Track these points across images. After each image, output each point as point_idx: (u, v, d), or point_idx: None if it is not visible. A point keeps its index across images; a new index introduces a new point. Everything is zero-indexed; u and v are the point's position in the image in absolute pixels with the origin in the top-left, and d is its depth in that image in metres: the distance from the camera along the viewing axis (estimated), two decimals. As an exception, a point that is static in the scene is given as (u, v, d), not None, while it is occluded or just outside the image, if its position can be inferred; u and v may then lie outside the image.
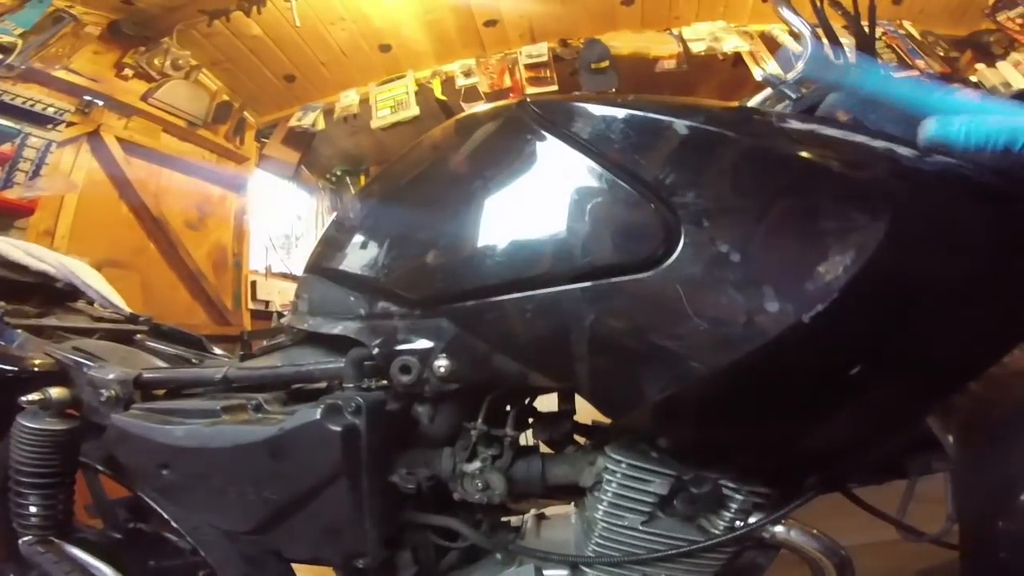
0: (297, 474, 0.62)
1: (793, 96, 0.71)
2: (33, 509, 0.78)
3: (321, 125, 3.01)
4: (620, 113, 0.56)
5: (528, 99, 0.64)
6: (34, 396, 0.74)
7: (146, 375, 0.74)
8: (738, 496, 0.61)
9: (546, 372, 0.59)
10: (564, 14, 2.75)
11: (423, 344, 0.60)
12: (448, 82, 2.87)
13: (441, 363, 0.60)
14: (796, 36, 0.68)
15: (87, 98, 2.42)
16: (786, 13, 0.70)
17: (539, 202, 0.56)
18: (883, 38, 2.60)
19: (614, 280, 0.52)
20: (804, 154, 0.51)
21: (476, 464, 0.66)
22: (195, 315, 2.72)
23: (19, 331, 0.91)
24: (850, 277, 0.45)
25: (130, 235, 2.52)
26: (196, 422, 0.66)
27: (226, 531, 0.75)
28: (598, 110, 0.58)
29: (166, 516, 0.82)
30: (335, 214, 0.81)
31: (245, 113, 3.08)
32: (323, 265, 0.71)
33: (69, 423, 0.76)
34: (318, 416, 0.59)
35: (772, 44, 2.65)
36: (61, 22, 2.31)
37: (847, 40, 0.74)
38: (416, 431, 0.68)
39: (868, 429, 0.57)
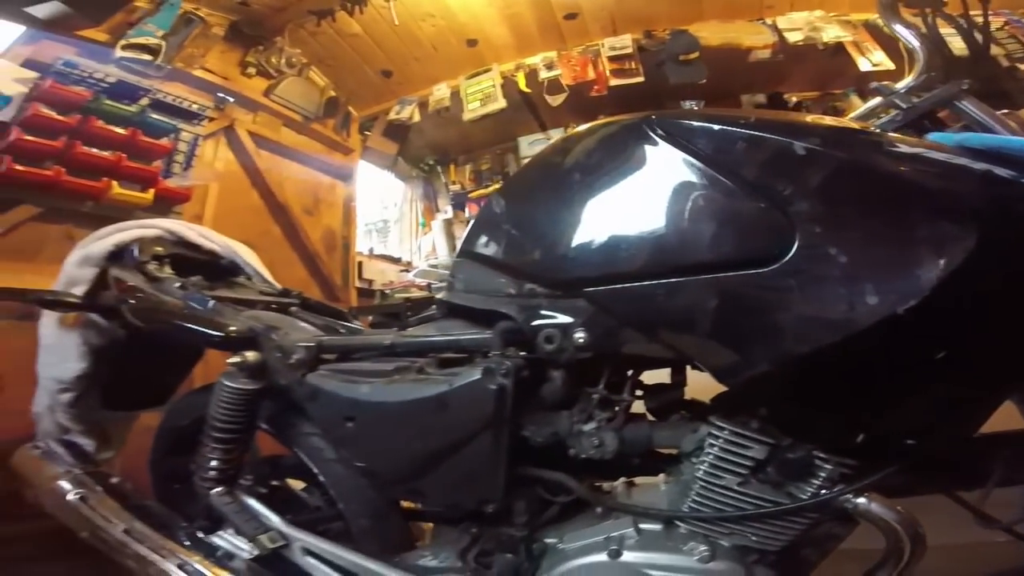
0: (455, 425, 0.73)
1: (904, 106, 0.73)
2: (220, 461, 0.90)
3: (416, 117, 3.12)
4: (740, 132, 0.62)
5: (654, 115, 0.70)
6: (235, 359, 0.88)
7: (326, 341, 0.86)
8: (827, 466, 0.64)
9: (669, 346, 0.66)
10: (646, 5, 2.70)
11: (564, 319, 0.69)
12: (531, 74, 2.90)
13: (579, 336, 0.67)
14: (908, 50, 0.71)
15: (220, 95, 2.58)
16: (898, 28, 0.72)
17: (667, 206, 0.62)
18: (1005, 28, 2.38)
19: (735, 273, 0.58)
20: (905, 172, 0.56)
21: (593, 424, 0.73)
22: (310, 292, 2.81)
23: (213, 301, 1.05)
24: (940, 279, 0.50)
25: (258, 219, 2.71)
26: (375, 381, 0.77)
27: (378, 477, 0.86)
28: (717, 129, 0.63)
29: (315, 471, 0.94)
30: (483, 205, 0.88)
31: (349, 107, 3.23)
32: (474, 250, 0.79)
33: (258, 383, 0.88)
34: (479, 376, 0.69)
35: (876, 33, 2.49)
36: (191, 24, 2.45)
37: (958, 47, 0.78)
38: (544, 394, 0.75)
39: (947, 411, 0.61)
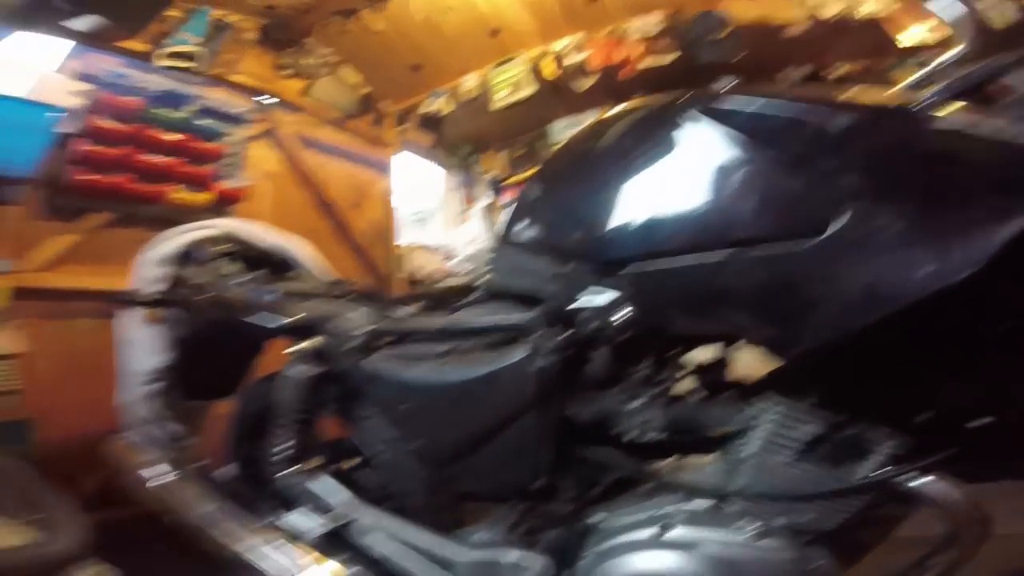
0: (502, 404, 0.75)
1: (951, 79, 0.68)
2: (287, 444, 0.96)
3: (448, 109, 3.12)
4: (785, 107, 0.61)
5: (694, 94, 0.70)
6: (296, 347, 0.94)
7: (380, 327, 0.90)
8: (884, 445, 0.62)
9: (717, 321, 0.66)
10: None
11: (607, 298, 0.69)
12: (558, 59, 2.84)
13: (623, 313, 0.68)
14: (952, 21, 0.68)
15: (261, 98, 2.64)
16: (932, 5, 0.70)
17: (711, 181, 0.62)
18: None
19: (784, 243, 0.57)
20: (953, 146, 0.54)
21: (638, 403, 0.71)
22: (360, 281, 2.99)
23: (271, 292, 1.13)
24: (998, 247, 0.48)
25: (308, 216, 2.80)
26: (426, 364, 0.81)
27: (430, 457, 0.89)
28: (762, 104, 0.63)
29: (372, 452, 0.97)
30: (520, 192, 0.90)
31: (384, 102, 3.27)
32: (514, 236, 0.81)
33: (318, 369, 0.94)
34: (522, 357, 0.72)
35: (915, 5, 2.32)
36: (223, 30, 2.47)
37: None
38: (587, 374, 0.75)
39: (1005, 394, 0.58)
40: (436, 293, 3.32)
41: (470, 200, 3.80)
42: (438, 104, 3.12)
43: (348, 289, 1.29)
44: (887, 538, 0.72)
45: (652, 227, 0.65)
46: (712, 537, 0.69)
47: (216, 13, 2.38)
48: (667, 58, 2.63)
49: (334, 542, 0.94)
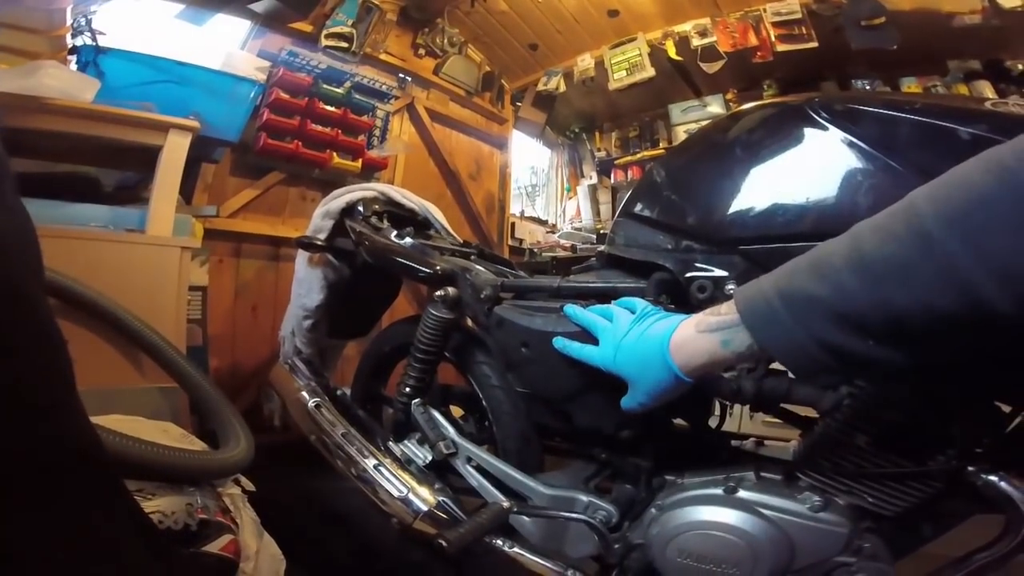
0: None
1: None
2: (418, 378, 1.08)
3: (562, 88, 3.14)
4: (905, 116, 0.62)
5: (817, 98, 0.72)
6: (440, 292, 1.06)
7: (507, 282, 1.00)
8: (959, 439, 0.62)
9: None
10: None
11: (718, 273, 0.74)
12: (682, 42, 2.74)
13: (730, 288, 0.71)
14: None
15: (401, 75, 2.82)
16: None
17: (827, 179, 0.65)
18: None
19: None
20: None
21: (733, 372, 0.75)
22: None
23: (420, 244, 1.25)
24: None
25: (435, 184, 2.99)
26: (545, 315, 0.88)
27: (537, 400, 0.94)
28: (882, 112, 0.64)
29: (480, 396, 1.08)
30: (644, 172, 0.94)
31: (502, 80, 3.36)
32: (635, 211, 0.86)
33: (454, 314, 1.05)
34: None
35: None
36: (371, 12, 2.61)
37: None
38: None
39: None
40: (539, 263, 3.41)
41: (576, 178, 3.83)
42: (553, 82, 3.14)
43: (475, 249, 1.41)
44: (946, 532, 0.72)
45: (765, 215, 0.69)
46: (772, 503, 0.72)
47: None
48: (809, 43, 2.44)
49: (435, 470, 1.07)
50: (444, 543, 0.75)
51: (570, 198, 3.90)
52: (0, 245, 0.42)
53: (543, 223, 3.86)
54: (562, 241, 3.49)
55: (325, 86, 2.34)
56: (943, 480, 0.65)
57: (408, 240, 1.26)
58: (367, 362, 1.38)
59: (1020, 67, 2.32)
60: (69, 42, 1.60)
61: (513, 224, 3.49)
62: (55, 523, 0.45)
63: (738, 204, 0.72)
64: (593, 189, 3.66)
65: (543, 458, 1.08)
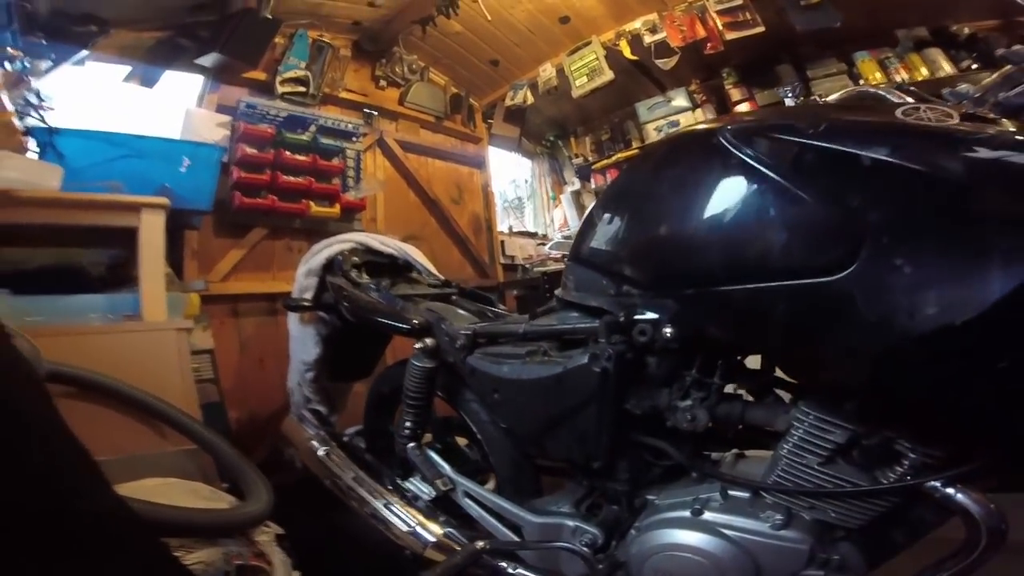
0: (569, 398, 0.88)
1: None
2: (412, 423, 1.17)
3: (530, 100, 3.19)
4: (809, 144, 0.63)
5: (726, 126, 0.73)
6: (419, 344, 1.13)
7: (479, 329, 1.08)
8: (910, 455, 0.65)
9: (744, 343, 0.74)
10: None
11: (655, 315, 0.79)
12: (635, 40, 2.76)
13: (667, 329, 0.77)
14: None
15: (366, 110, 2.85)
16: None
17: (741, 216, 0.67)
18: None
19: (804, 281, 0.61)
20: (976, 180, 0.54)
21: (688, 402, 0.80)
22: (464, 271, 3.22)
23: (398, 298, 1.34)
24: (1001, 295, 0.50)
25: (418, 214, 3.05)
26: (513, 362, 0.97)
27: (519, 436, 1.04)
28: (786, 140, 0.65)
29: (474, 429, 1.16)
30: (585, 214, 0.98)
31: (471, 100, 3.40)
32: (581, 256, 0.91)
33: (435, 362, 1.13)
34: (586, 361, 0.84)
35: None
36: (323, 51, 2.62)
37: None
38: (645, 374, 0.84)
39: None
40: (531, 280, 3.44)
41: (560, 186, 3.90)
42: (519, 96, 3.19)
43: (454, 289, 1.51)
44: (920, 539, 0.73)
45: (688, 259, 0.73)
46: (735, 523, 0.77)
47: (312, 34, 2.59)
48: (756, 29, 2.48)
49: (437, 506, 1.16)
50: None
51: (556, 206, 3.94)
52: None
53: (533, 235, 3.90)
54: (552, 253, 3.51)
55: (289, 135, 2.38)
56: (901, 494, 0.67)
57: (385, 295, 1.35)
58: (371, 402, 1.47)
59: (966, 31, 2.36)
60: (19, 124, 1.62)
61: (503, 242, 3.52)
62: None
63: (663, 248, 0.76)
64: (577, 195, 3.71)
65: (539, 481, 1.15)
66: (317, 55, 2.60)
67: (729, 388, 0.85)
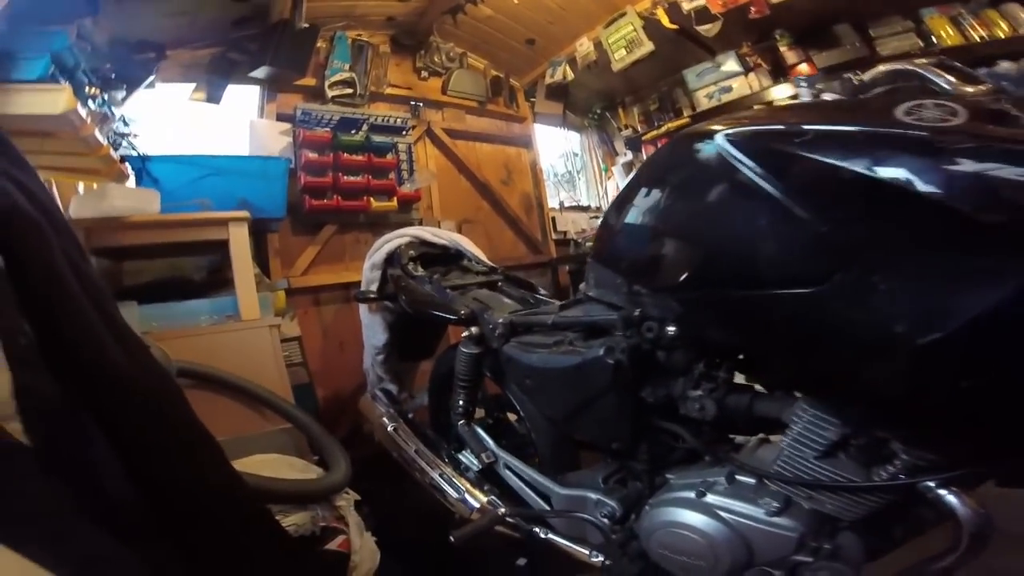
0: (589, 385, 0.96)
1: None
2: (463, 401, 1.32)
3: (570, 75, 3.16)
4: (795, 153, 0.63)
5: (725, 130, 0.73)
6: (466, 333, 1.29)
7: (514, 319, 1.21)
8: (903, 456, 0.66)
9: (735, 344, 0.79)
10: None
11: (660, 314, 0.86)
12: (673, 8, 2.64)
13: (670, 328, 0.84)
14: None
15: (412, 103, 2.96)
16: None
17: (733, 224, 0.70)
18: None
19: (787, 291, 0.64)
20: (952, 197, 0.53)
21: (698, 392, 0.85)
22: (518, 249, 3.35)
23: (448, 290, 1.50)
24: (967, 318, 0.52)
25: (470, 199, 3.18)
26: (541, 351, 1.08)
27: (550, 418, 1.15)
28: (775, 149, 0.65)
29: (519, 408, 1.29)
30: (604, 214, 1.01)
31: (512, 80, 3.43)
32: (599, 255, 0.99)
33: (480, 348, 1.28)
34: (602, 353, 0.93)
35: None
36: (363, 50, 2.72)
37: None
38: (658, 366, 0.90)
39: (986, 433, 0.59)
40: (583, 256, 3.47)
41: (611, 157, 3.89)
42: (559, 72, 3.16)
43: (500, 275, 1.66)
44: (919, 535, 0.75)
45: (687, 264, 0.78)
46: (734, 506, 0.83)
47: (351, 35, 2.68)
48: None
49: (484, 477, 1.31)
50: (452, 538, 1.02)
51: (609, 178, 3.92)
52: (151, 398, 0.76)
53: (586, 209, 3.90)
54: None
55: (343, 137, 2.56)
56: (896, 492, 0.68)
57: (436, 287, 1.51)
58: (433, 383, 1.64)
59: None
60: (115, 154, 1.83)
61: (554, 218, 3.56)
62: (232, 538, 0.79)
63: (665, 252, 0.81)
64: (629, 166, 3.66)
65: (577, 456, 1.26)
66: (359, 55, 2.72)
67: (741, 378, 0.87)
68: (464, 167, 3.16)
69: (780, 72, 2.82)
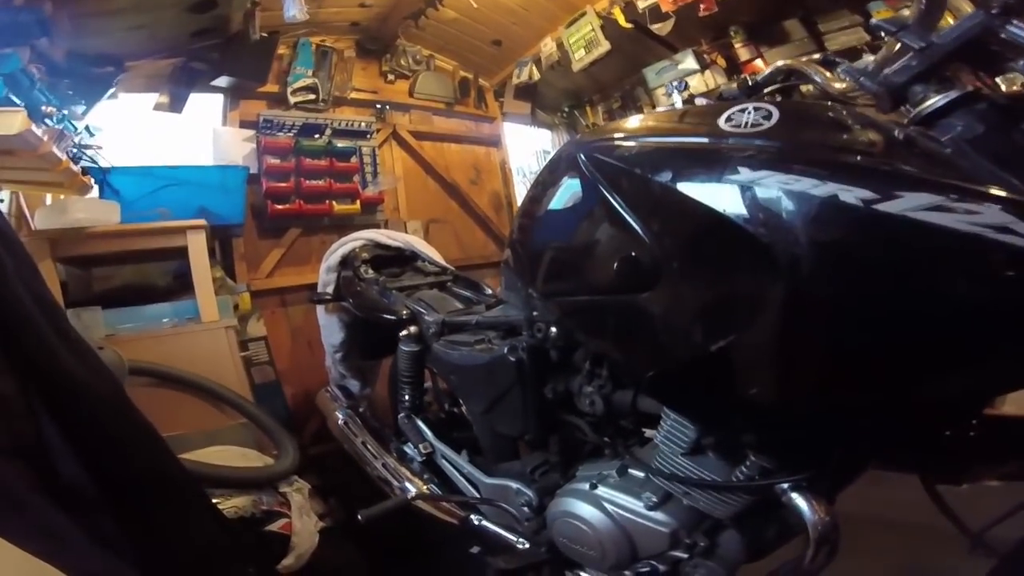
0: (498, 381, 1.05)
1: (916, 46, 0.60)
2: (408, 395, 1.43)
3: (536, 75, 3.21)
4: (623, 168, 0.69)
5: (586, 144, 0.79)
6: (404, 332, 1.40)
7: (446, 319, 1.31)
8: (752, 457, 0.72)
9: (596, 345, 0.87)
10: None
11: (546, 316, 0.95)
12: (629, 7, 2.69)
13: (552, 330, 0.94)
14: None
15: (378, 106, 3.00)
16: None
17: (586, 233, 0.77)
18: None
19: (624, 296, 0.72)
20: (739, 212, 0.59)
21: (590, 388, 0.92)
22: (488, 248, 3.40)
23: (393, 292, 1.59)
24: (749, 327, 0.60)
25: (438, 199, 3.24)
26: (463, 350, 1.18)
27: (471, 411, 1.25)
28: (612, 164, 0.71)
29: (460, 401, 1.40)
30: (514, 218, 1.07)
31: (481, 81, 3.48)
32: (507, 260, 1.06)
33: (419, 346, 1.38)
34: (506, 351, 1.02)
35: None
36: (327, 55, 2.74)
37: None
38: (556, 364, 0.99)
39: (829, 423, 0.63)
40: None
41: (581, 154, 3.94)
42: (525, 73, 3.22)
43: (449, 276, 1.76)
44: (789, 540, 0.79)
45: (554, 271, 0.86)
46: (617, 499, 0.89)
47: (314, 41, 2.71)
48: None
49: (424, 467, 1.41)
50: (360, 517, 1.13)
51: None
52: (96, 396, 0.88)
53: None
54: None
55: (305, 142, 2.63)
56: (754, 492, 0.72)
57: (381, 289, 1.61)
58: (391, 379, 1.70)
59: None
60: (76, 168, 1.86)
61: None
62: (169, 515, 0.92)
63: (542, 259, 0.88)
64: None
65: (517, 448, 1.31)
66: (322, 61, 2.76)
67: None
68: (431, 168, 3.23)
69: (736, 69, 2.90)
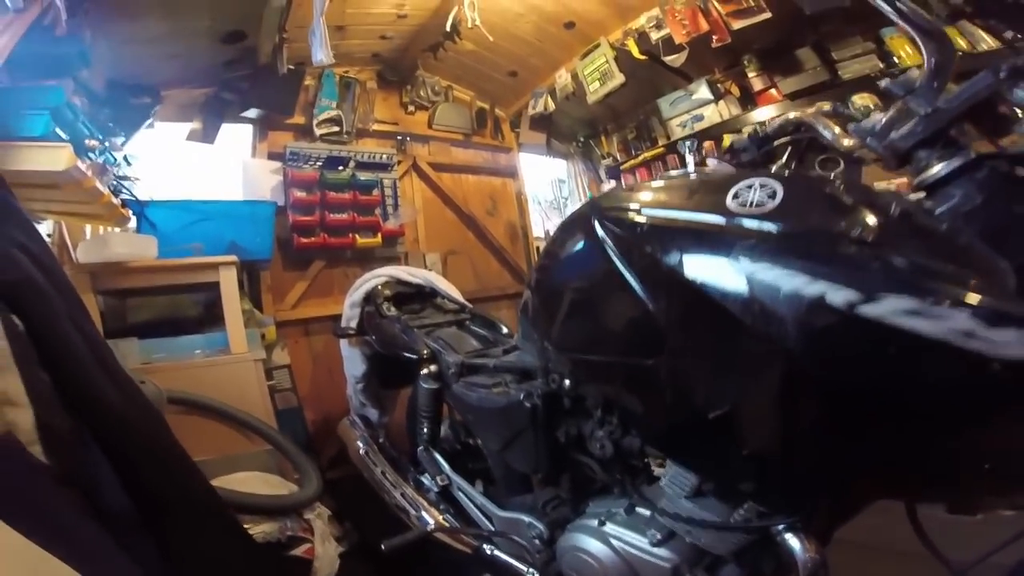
0: (512, 424, 1.11)
1: (922, 111, 0.62)
2: (426, 429, 1.50)
3: (551, 106, 3.29)
4: (634, 240, 0.74)
5: (602, 208, 0.84)
6: (424, 370, 1.49)
7: (464, 361, 1.38)
8: (749, 501, 0.77)
9: (605, 398, 0.93)
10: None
11: (560, 368, 1.01)
12: (642, 38, 2.75)
13: (566, 381, 1.00)
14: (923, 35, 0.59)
15: (399, 138, 3.10)
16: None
17: (598, 296, 0.82)
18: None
19: (632, 360, 0.77)
20: (730, 306, 0.63)
21: (600, 433, 0.97)
22: (503, 278, 3.47)
23: (415, 330, 1.67)
24: (741, 397, 0.66)
25: (456, 230, 3.33)
26: (481, 392, 1.25)
27: (488, 448, 1.32)
28: (623, 236, 0.75)
29: (477, 436, 1.44)
30: (529, 276, 1.13)
31: (497, 111, 3.58)
32: (524, 311, 1.10)
33: (438, 384, 1.47)
34: (522, 397, 1.09)
35: None
36: (350, 87, 2.83)
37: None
38: (568, 410, 1.04)
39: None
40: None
41: (597, 184, 4.04)
42: (541, 103, 3.30)
43: (468, 314, 1.84)
44: (789, 572, 0.79)
45: (568, 329, 0.91)
46: (624, 535, 0.94)
47: (338, 72, 2.81)
48: (762, 15, 2.44)
49: (440, 497, 1.48)
50: (383, 547, 1.19)
51: (594, 204, 4.03)
52: (138, 427, 0.97)
53: None
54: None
55: (329, 176, 2.74)
56: (752, 532, 0.77)
57: (403, 327, 1.70)
58: (409, 410, 1.81)
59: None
60: (116, 200, 1.95)
61: (539, 247, 3.67)
62: (207, 541, 1.01)
63: (557, 318, 0.93)
64: (612, 193, 3.78)
65: (527, 481, 1.35)
66: (346, 92, 2.86)
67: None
68: (449, 200, 3.31)
69: (749, 99, 2.95)
